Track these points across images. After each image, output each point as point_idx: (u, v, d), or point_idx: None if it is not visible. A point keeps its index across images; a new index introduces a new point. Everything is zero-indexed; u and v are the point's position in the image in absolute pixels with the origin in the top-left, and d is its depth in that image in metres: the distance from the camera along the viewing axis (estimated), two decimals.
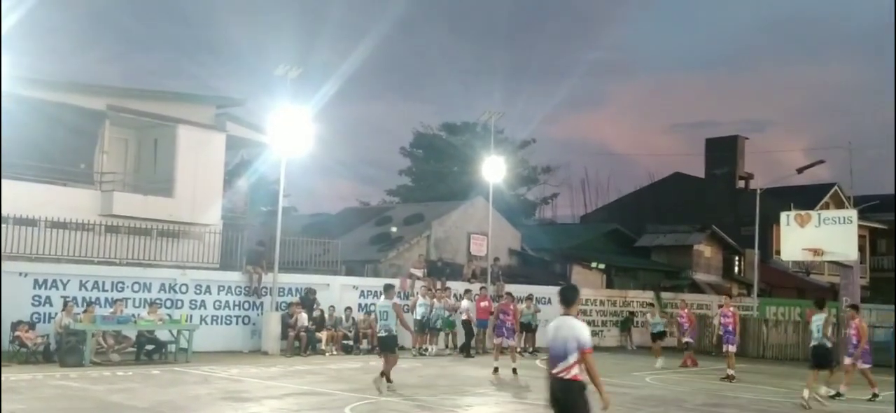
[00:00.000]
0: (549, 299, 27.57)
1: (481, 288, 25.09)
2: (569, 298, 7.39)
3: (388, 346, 14.46)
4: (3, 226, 19.47)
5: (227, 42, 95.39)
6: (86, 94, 23.15)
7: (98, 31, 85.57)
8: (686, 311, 24.60)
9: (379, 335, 15.04)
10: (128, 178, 24.37)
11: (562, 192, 55.85)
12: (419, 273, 25.74)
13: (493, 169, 27.71)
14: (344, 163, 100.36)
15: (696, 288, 37.02)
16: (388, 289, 15.14)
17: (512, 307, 19.73)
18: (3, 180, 19.91)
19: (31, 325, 17.46)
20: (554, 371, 7.12)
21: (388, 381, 14.07)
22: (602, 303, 30.38)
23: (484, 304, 24.14)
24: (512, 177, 40.47)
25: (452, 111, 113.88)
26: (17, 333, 17.10)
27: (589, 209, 58.46)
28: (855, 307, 17.85)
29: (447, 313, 23.70)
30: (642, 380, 18.28)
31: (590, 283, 33.30)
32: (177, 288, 20.54)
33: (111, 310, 18.33)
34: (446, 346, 23.88)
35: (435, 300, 23.34)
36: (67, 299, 18.38)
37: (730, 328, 19.85)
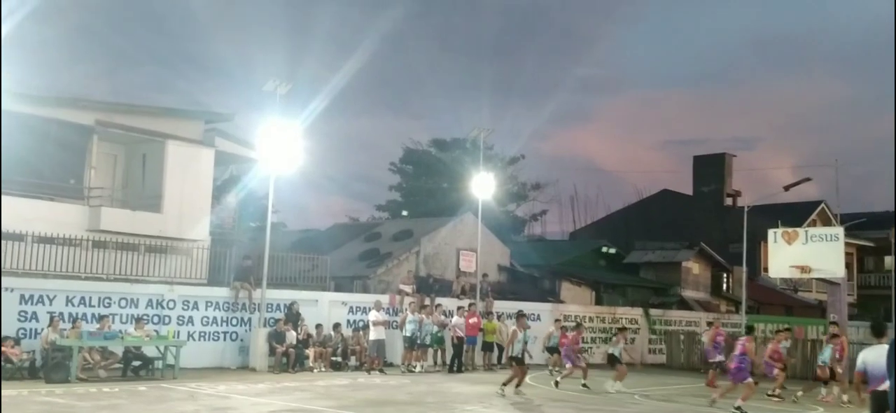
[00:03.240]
0: (539, 316, 27.61)
1: (470, 304, 25.06)
2: (883, 330, 9.44)
3: None
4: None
5: (217, 58, 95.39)
6: (74, 108, 23.07)
7: (87, 47, 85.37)
8: (719, 328, 22.70)
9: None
10: (116, 193, 24.28)
11: (551, 208, 55.72)
12: (408, 289, 25.70)
13: (483, 185, 27.74)
14: (333, 179, 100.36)
15: (684, 305, 37.08)
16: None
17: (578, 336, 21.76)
18: None
19: (17, 341, 17.33)
20: (879, 388, 8.66)
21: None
22: (591, 319, 30.39)
23: (473, 320, 24.12)
24: (501, 193, 40.58)
25: (442, 127, 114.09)
26: (2, 349, 16.96)
27: (578, 226, 58.59)
28: (835, 324, 18.34)
29: (437, 329, 23.66)
30: (632, 397, 18.28)
31: (578, 300, 33.34)
32: (164, 304, 20.45)
33: (98, 325, 18.21)
34: (435, 363, 23.82)
35: (424, 316, 23.30)
36: (54, 315, 18.24)
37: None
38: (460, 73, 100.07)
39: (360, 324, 23.46)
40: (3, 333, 17.21)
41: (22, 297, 18.37)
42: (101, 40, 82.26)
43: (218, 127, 25.82)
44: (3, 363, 16.76)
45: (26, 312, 18.39)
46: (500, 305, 26.71)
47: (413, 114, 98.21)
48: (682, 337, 30.53)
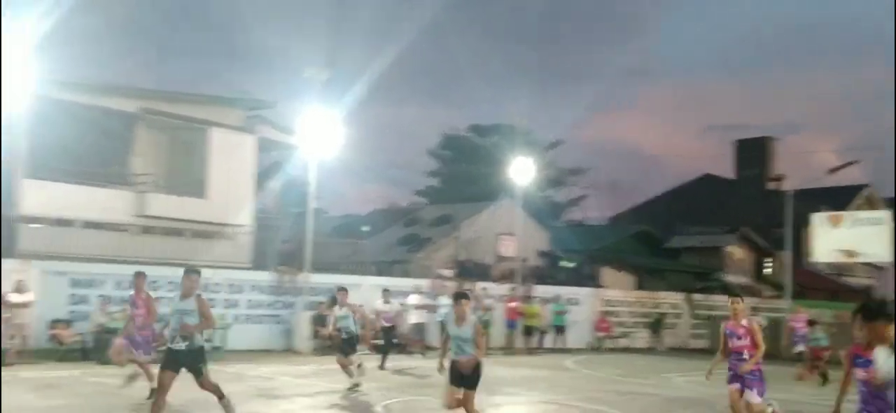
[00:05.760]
0: (578, 300, 27.58)
1: (511, 289, 25.11)
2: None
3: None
4: (39, 226, 19.87)
5: (259, 47, 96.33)
6: (119, 96, 23.52)
7: (132, 39, 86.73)
8: (802, 315, 21.37)
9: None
10: (161, 179, 24.71)
11: (590, 194, 55.34)
12: (448, 274, 25.82)
13: (521, 171, 27.71)
14: (372, 165, 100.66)
15: (726, 290, 36.67)
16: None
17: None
18: (38, 182, 20.34)
19: (68, 323, 17.78)
20: None
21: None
22: (632, 305, 30.25)
23: (513, 305, 24.18)
24: (540, 178, 40.43)
25: (481, 114, 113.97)
26: (54, 331, 17.44)
27: (617, 211, 58.17)
28: None
29: (480, 313, 23.72)
30: (671, 381, 18.20)
31: (619, 285, 33.18)
32: (210, 287, 20.79)
33: None
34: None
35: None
36: (103, 298, 18.68)
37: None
38: (500, 59, 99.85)
39: (402, 308, 23.61)
40: (55, 316, 17.69)
41: (72, 280, 18.83)
42: (147, 32, 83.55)
43: (260, 114, 26.13)
44: (55, 345, 17.26)
45: (77, 295, 18.85)
46: (540, 290, 26.71)
47: (452, 101, 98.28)
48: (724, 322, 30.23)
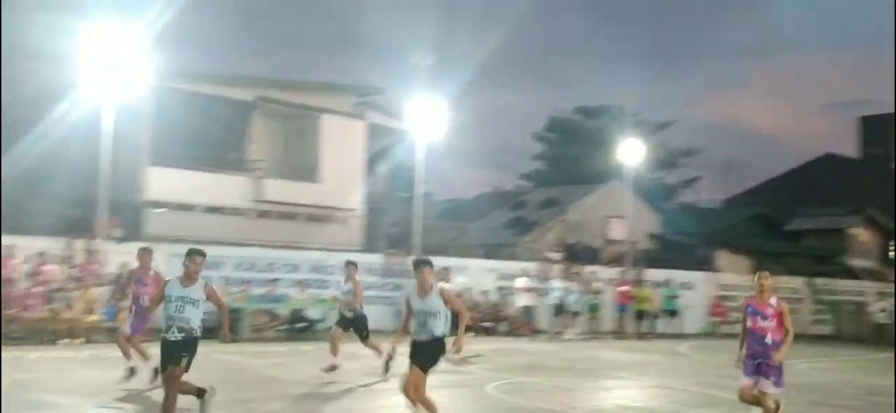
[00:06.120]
0: (692, 285, 26.87)
1: (621, 272, 24.70)
2: None
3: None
4: (162, 211, 20.90)
5: (368, 34, 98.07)
6: (235, 86, 24.44)
7: (247, 29, 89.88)
8: None
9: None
10: (275, 165, 25.55)
11: (703, 175, 53.61)
12: (556, 257, 25.63)
13: (631, 152, 27.16)
14: (478, 149, 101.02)
15: (850, 274, 34.95)
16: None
17: None
18: (161, 169, 21.36)
19: None
20: None
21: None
22: (748, 289, 29.17)
23: (624, 288, 23.78)
24: (650, 160, 39.55)
25: (587, 96, 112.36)
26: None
27: (732, 193, 56.25)
28: None
29: (590, 297, 23.47)
30: (792, 368, 17.46)
31: (735, 269, 32.10)
32: (324, 269, 21.38)
33: (265, 289, 19.33)
34: (587, 331, 23.55)
35: (573, 284, 23.16)
36: (224, 279, 19.48)
37: None
38: (609, 40, 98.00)
39: (509, 291, 23.63)
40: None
41: None
42: (260, 21, 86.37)
43: (369, 100, 26.63)
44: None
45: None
46: (651, 274, 26.16)
47: (558, 83, 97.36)
48: (849, 307, 28.89)
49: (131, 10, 18.05)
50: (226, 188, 23.37)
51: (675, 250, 32.90)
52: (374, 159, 28.99)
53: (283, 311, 19.24)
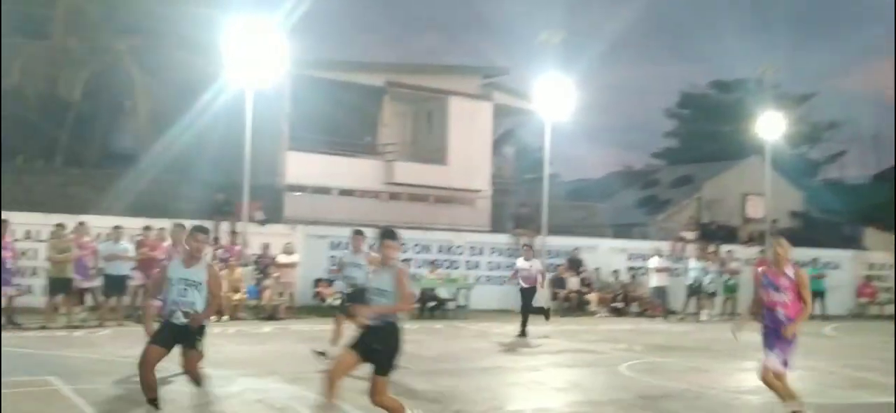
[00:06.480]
0: (838, 264, 25.51)
1: (761, 251, 23.69)
2: None
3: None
4: (300, 194, 21.74)
5: (494, 14, 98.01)
6: (367, 72, 25.10)
7: (376, 14, 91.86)
8: None
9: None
10: (405, 148, 26.08)
11: (850, 149, 50.50)
12: (690, 236, 24.90)
13: (770, 126, 25.96)
14: (607, 128, 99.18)
15: None
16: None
17: None
18: (299, 154, 22.18)
19: (329, 282, 19.34)
20: None
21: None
22: None
23: (761, 269, 22.80)
24: (791, 134, 37.67)
25: (722, 70, 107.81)
26: (317, 289, 19.07)
27: (882, 167, 52.71)
28: None
29: (727, 277, 22.67)
30: None
31: (885, 247, 30.18)
32: (453, 249, 21.68)
33: None
34: (723, 313, 22.76)
35: (709, 263, 22.43)
36: None
37: None
38: (746, 10, 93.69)
39: (641, 271, 23.19)
40: (318, 275, 19.33)
41: (332, 243, 20.40)
42: (387, 10, 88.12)
43: (495, 81, 26.70)
44: (318, 301, 18.86)
45: (336, 257, 20.40)
46: (794, 254, 24.97)
47: (690, 57, 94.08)
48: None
49: (270, 1, 18.86)
50: (359, 171, 24.08)
51: (819, 228, 31.27)
52: (500, 140, 29.06)
53: (415, 290, 19.63)
